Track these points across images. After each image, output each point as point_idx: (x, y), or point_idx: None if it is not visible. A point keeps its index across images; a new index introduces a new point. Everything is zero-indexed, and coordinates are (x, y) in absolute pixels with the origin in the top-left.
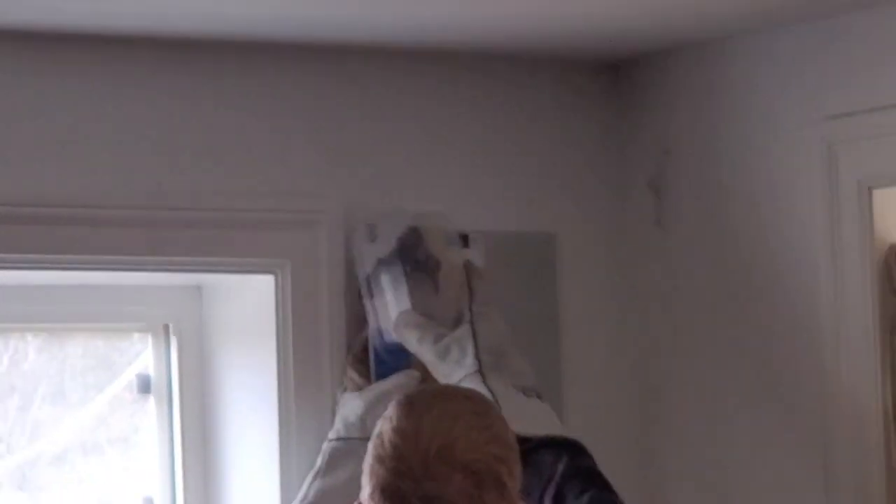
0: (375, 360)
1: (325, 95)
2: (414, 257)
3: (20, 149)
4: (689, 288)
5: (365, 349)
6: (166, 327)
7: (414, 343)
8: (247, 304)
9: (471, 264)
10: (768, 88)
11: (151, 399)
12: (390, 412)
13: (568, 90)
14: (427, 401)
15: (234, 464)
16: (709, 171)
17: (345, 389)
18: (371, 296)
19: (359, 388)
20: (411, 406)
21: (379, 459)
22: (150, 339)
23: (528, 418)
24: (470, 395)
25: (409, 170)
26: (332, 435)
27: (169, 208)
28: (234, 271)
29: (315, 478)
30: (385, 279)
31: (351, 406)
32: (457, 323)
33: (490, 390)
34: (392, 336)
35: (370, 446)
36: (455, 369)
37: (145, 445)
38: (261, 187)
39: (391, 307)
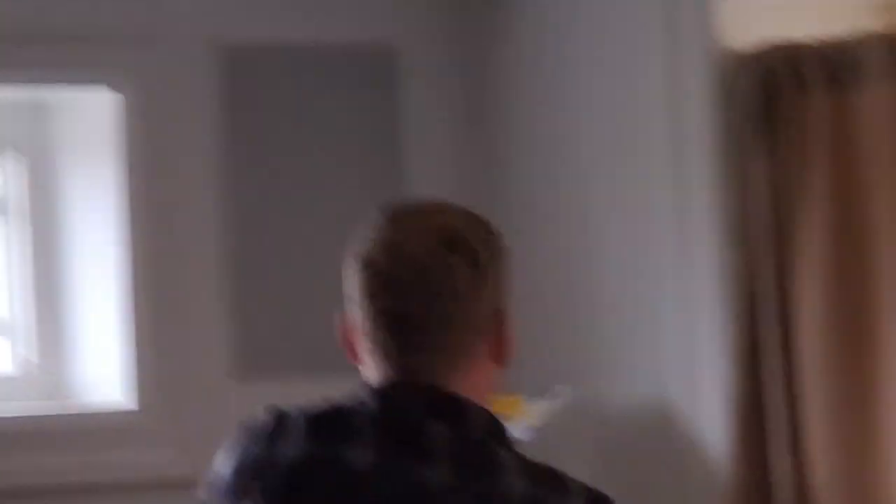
0: None
1: None
2: None
3: None
4: (525, 102)
5: None
6: (13, 146)
7: None
8: (89, 120)
9: None
10: None
11: None
12: None
13: None
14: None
15: (80, 280)
16: None
17: None
18: None
19: None
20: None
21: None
22: None
23: None
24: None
25: None
26: None
27: (8, 22)
28: (75, 83)
29: None
30: None
31: None
32: None
33: None
34: None
35: None
36: None
37: None
38: (103, 3)
39: None
